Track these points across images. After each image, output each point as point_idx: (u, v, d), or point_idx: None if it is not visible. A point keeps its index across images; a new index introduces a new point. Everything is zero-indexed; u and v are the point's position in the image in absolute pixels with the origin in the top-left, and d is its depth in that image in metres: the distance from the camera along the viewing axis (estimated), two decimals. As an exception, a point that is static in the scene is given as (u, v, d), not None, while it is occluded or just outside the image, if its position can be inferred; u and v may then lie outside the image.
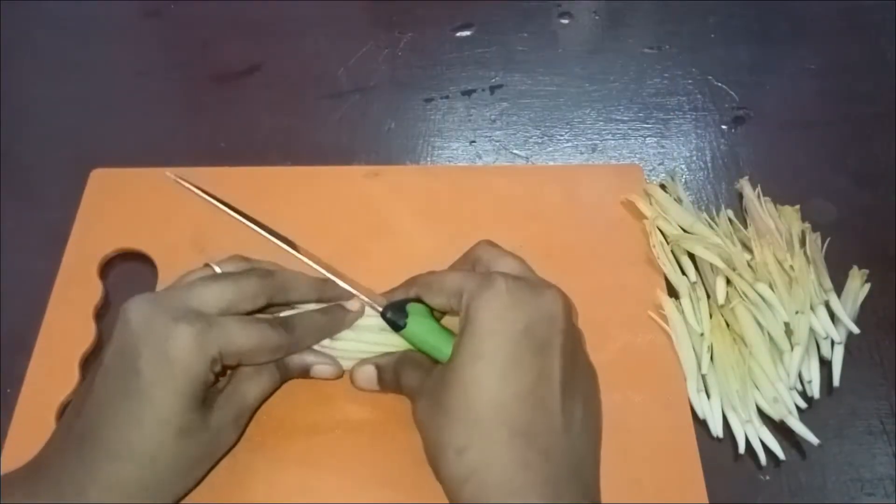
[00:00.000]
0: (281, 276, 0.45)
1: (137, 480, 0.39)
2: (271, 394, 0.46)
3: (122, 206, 0.57)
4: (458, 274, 0.44)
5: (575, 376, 0.41)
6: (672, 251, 0.54)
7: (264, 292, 0.43)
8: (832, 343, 0.49)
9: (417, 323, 0.44)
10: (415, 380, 0.43)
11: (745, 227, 0.55)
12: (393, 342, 0.46)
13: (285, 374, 0.46)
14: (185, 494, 0.43)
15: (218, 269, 0.45)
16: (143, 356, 0.39)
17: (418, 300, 0.45)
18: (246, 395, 0.44)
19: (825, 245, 0.54)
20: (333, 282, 0.47)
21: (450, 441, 0.39)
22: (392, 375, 0.45)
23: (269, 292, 0.44)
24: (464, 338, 0.40)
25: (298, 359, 0.46)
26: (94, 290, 0.53)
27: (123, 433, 0.39)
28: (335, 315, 0.46)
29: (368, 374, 0.46)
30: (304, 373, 0.46)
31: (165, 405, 0.39)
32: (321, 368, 0.46)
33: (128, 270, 0.55)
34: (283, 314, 0.45)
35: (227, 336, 0.40)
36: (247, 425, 0.45)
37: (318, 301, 0.46)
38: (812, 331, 0.49)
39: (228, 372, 0.44)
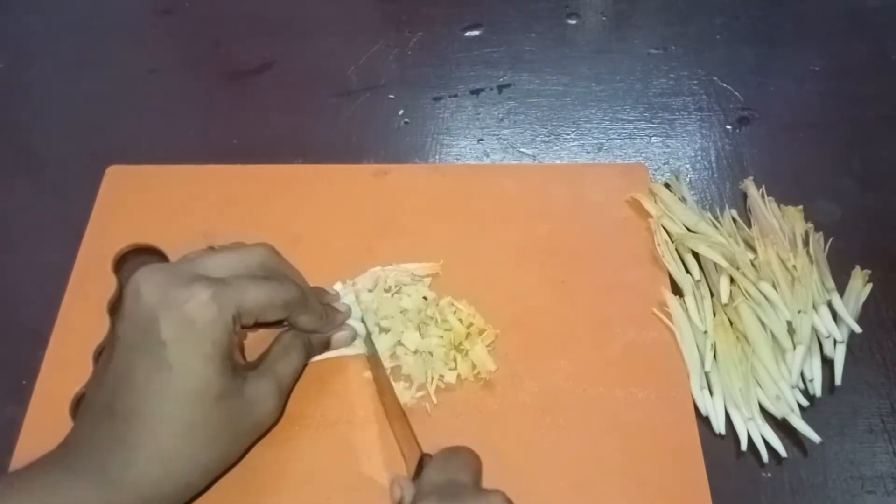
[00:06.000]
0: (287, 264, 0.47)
1: (178, 451, 0.39)
2: (302, 372, 0.48)
3: (136, 202, 0.58)
4: (402, 485, 0.42)
5: None
6: (676, 250, 0.54)
7: (266, 263, 0.45)
8: (834, 342, 0.50)
9: None
10: None
11: (749, 226, 0.56)
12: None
13: (311, 352, 0.48)
14: (228, 469, 0.44)
15: None
16: (164, 325, 0.39)
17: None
18: (279, 373, 0.45)
19: (828, 245, 0.54)
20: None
21: None
22: None
23: (269, 266, 0.45)
24: None
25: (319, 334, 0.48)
26: (109, 285, 0.54)
27: (159, 405, 0.39)
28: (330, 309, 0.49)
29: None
30: (326, 345, 0.49)
31: (196, 373, 0.39)
32: (340, 335, 0.49)
33: (142, 265, 0.55)
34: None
35: (241, 293, 0.41)
36: (286, 404, 0.47)
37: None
38: (814, 330, 0.49)
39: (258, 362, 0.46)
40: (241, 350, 0.48)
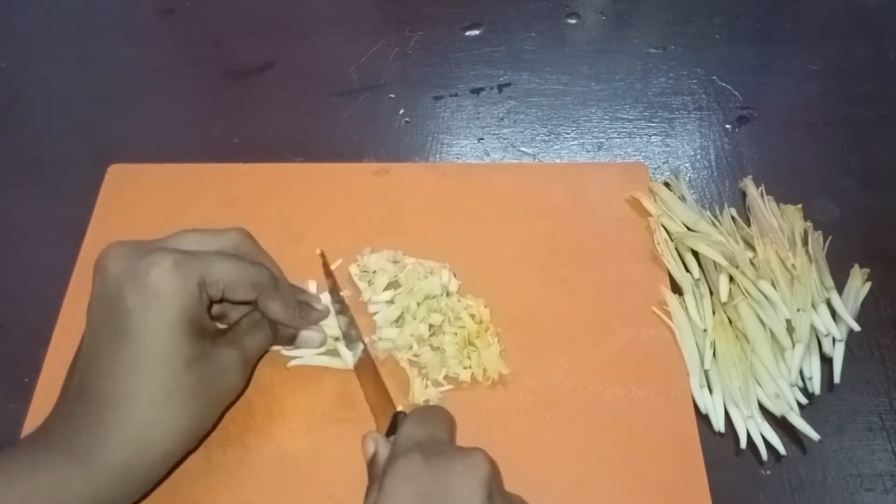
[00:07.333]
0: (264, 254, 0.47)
1: (154, 419, 0.39)
2: (266, 351, 0.48)
3: (138, 201, 0.58)
4: (376, 440, 0.43)
5: None
6: (676, 248, 0.55)
7: (239, 246, 0.44)
8: (833, 340, 0.50)
9: None
10: None
11: (748, 225, 0.56)
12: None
13: (276, 338, 0.48)
14: (202, 439, 0.44)
15: None
16: (129, 294, 0.39)
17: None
18: (245, 345, 0.45)
19: (827, 244, 0.55)
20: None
21: None
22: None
23: (242, 249, 0.44)
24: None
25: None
26: (110, 283, 0.54)
27: (130, 375, 0.39)
28: (306, 306, 0.49)
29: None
30: (292, 339, 0.49)
31: (163, 340, 0.39)
32: (308, 334, 0.49)
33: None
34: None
35: (206, 264, 0.41)
36: (251, 375, 0.47)
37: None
38: (813, 328, 0.50)
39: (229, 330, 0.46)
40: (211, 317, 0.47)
